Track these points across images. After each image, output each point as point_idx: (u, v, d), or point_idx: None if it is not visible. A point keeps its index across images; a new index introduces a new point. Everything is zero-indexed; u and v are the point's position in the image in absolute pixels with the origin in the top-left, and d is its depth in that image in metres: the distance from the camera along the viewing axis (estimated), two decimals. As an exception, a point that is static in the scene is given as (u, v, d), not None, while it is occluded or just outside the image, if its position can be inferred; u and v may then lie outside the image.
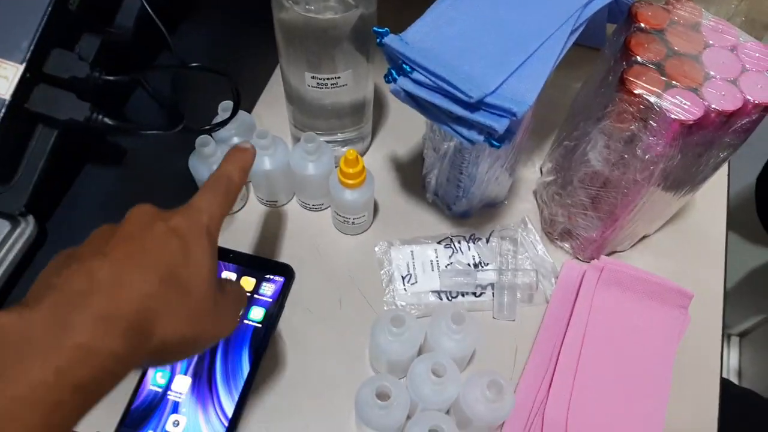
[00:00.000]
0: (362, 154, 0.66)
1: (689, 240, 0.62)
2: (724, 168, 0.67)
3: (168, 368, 0.53)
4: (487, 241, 0.61)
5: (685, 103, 0.42)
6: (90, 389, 0.28)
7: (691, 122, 0.42)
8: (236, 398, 0.52)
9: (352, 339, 0.55)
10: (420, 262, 0.59)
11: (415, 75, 0.42)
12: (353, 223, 0.58)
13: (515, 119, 0.41)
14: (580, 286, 0.56)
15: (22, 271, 0.54)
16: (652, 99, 0.42)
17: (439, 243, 0.60)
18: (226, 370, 0.53)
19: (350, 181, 0.53)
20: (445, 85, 0.41)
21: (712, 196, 0.65)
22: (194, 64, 0.47)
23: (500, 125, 0.41)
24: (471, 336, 0.49)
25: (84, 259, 0.32)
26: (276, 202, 0.61)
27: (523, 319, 0.57)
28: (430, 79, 0.41)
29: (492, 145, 0.43)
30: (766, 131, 0.84)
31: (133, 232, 0.34)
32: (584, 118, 0.50)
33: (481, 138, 0.43)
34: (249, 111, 0.68)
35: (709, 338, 0.57)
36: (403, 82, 0.43)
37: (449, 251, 0.60)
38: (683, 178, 0.49)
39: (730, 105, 0.43)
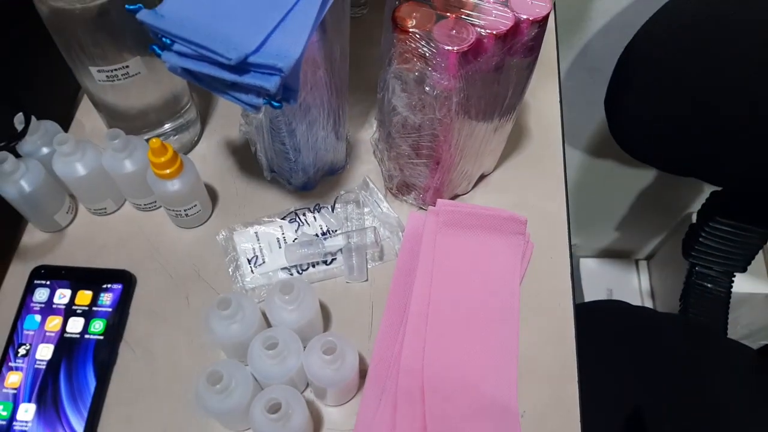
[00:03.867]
0: (195, 143, 0.64)
1: (528, 172, 0.63)
2: (555, 95, 0.68)
3: (11, 399, 0.50)
4: (332, 208, 0.60)
5: (456, 33, 0.42)
6: None
7: (465, 49, 0.42)
8: (85, 416, 0.49)
9: (202, 333, 0.53)
10: (266, 242, 0.58)
11: (177, 47, 0.40)
12: (187, 215, 0.56)
13: (285, 75, 0.40)
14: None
15: None
16: (425, 33, 0.42)
17: (283, 219, 0.59)
18: (71, 389, 0.50)
19: (165, 171, 0.51)
20: (204, 52, 0.39)
21: (547, 125, 0.66)
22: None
23: (271, 84, 0.40)
24: (306, 303, 0.48)
25: None
26: (105, 209, 0.59)
27: (376, 277, 0.57)
28: (191, 49, 0.40)
29: (274, 107, 0.42)
30: (606, 58, 0.86)
31: None
32: (383, 66, 0.49)
33: (261, 101, 0.42)
34: (66, 119, 0.65)
35: (559, 260, 0.58)
36: (168, 56, 0.41)
37: (294, 225, 0.59)
38: (487, 108, 0.50)
39: (501, 26, 0.43)
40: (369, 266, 0.57)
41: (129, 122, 0.58)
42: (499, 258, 0.54)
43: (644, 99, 0.78)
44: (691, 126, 0.78)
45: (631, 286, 1.52)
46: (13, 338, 0.52)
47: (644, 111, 0.80)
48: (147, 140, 0.52)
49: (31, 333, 0.52)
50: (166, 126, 0.60)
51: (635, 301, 1.49)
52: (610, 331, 0.91)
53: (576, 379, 0.52)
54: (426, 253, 0.54)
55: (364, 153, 0.64)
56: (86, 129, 0.65)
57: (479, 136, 0.53)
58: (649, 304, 1.48)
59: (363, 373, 0.51)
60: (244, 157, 0.63)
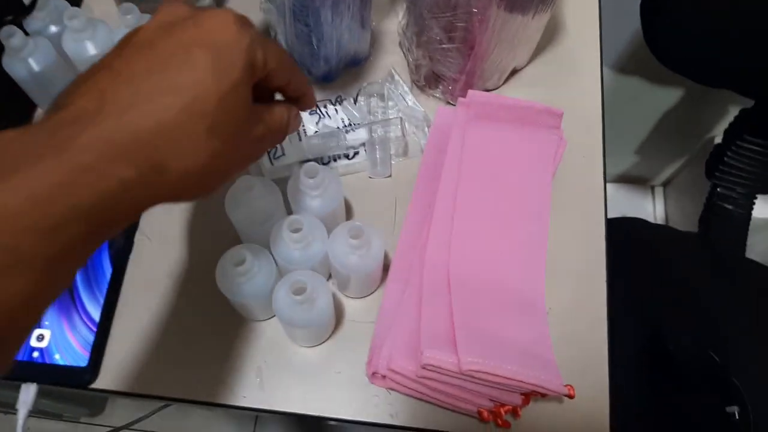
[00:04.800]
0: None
1: (563, 68, 0.60)
2: (592, -11, 0.64)
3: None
4: (355, 101, 0.57)
5: None
6: (95, 215, 0.25)
7: None
8: (101, 302, 0.48)
9: (222, 220, 0.51)
10: (285, 134, 0.55)
11: None
12: (203, 101, 0.54)
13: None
14: (452, 128, 0.53)
15: None
16: None
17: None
18: (86, 277, 0.49)
19: (181, 51, 0.48)
20: None
21: (583, 22, 0.62)
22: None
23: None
24: (331, 190, 0.46)
25: (95, 73, 0.27)
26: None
27: (400, 173, 0.55)
28: None
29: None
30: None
31: (153, 39, 0.28)
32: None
33: (287, -39, 0.38)
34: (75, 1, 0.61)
35: (591, 165, 0.56)
36: None
37: (315, 117, 0.56)
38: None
39: None
40: (393, 162, 0.55)
41: (141, 1, 0.54)
42: (531, 152, 0.52)
43: (683, 4, 0.74)
44: (730, 29, 0.74)
45: (646, 212, 1.50)
46: (27, 223, 0.51)
47: (682, 13, 0.75)
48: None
49: (45, 218, 0.51)
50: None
51: (649, 227, 1.47)
52: (630, 246, 0.90)
53: (605, 278, 0.51)
54: (455, 146, 0.52)
55: (389, 44, 0.60)
56: (95, 13, 0.61)
57: (516, 22, 0.49)
58: (663, 230, 1.47)
59: (386, 268, 0.49)
60: (262, 45, 0.60)
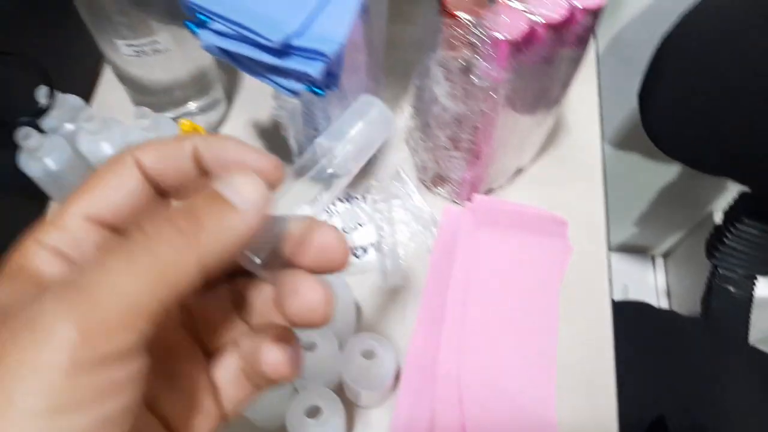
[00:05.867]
0: (219, 123, 0.62)
1: (566, 166, 0.61)
2: (593, 86, 0.66)
3: None
4: (364, 198, 0.58)
5: (508, 20, 0.40)
6: None
7: (518, 40, 0.40)
8: None
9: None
10: (293, 231, 0.56)
11: (215, 25, 0.38)
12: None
13: (329, 60, 0.37)
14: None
15: None
16: (475, 19, 0.40)
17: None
18: None
19: (194, 156, 0.49)
20: (245, 32, 0.37)
21: (585, 119, 0.64)
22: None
23: (315, 69, 0.37)
24: (341, 297, 0.46)
25: None
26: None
27: (408, 274, 0.55)
28: (231, 28, 0.38)
29: (316, 94, 0.40)
30: (640, 47, 0.83)
31: None
32: (424, 51, 0.47)
33: (301, 86, 0.39)
34: (87, 94, 0.62)
35: (595, 261, 0.56)
36: (205, 35, 0.39)
37: (323, 216, 0.57)
38: (533, 101, 0.47)
39: (555, 15, 0.40)
40: (400, 262, 0.55)
41: (154, 97, 0.56)
42: (539, 261, 0.52)
43: (680, 94, 0.75)
44: (727, 124, 0.75)
45: (647, 283, 1.49)
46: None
47: (679, 106, 0.77)
48: (174, 119, 0.50)
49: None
50: (191, 104, 0.58)
51: (651, 299, 1.47)
52: (635, 334, 0.90)
53: (614, 389, 0.50)
54: (462, 254, 0.52)
55: (396, 140, 0.62)
56: (109, 103, 0.62)
57: (522, 130, 0.51)
58: (664, 301, 1.46)
59: (396, 374, 0.49)
60: (271, 139, 0.61)
